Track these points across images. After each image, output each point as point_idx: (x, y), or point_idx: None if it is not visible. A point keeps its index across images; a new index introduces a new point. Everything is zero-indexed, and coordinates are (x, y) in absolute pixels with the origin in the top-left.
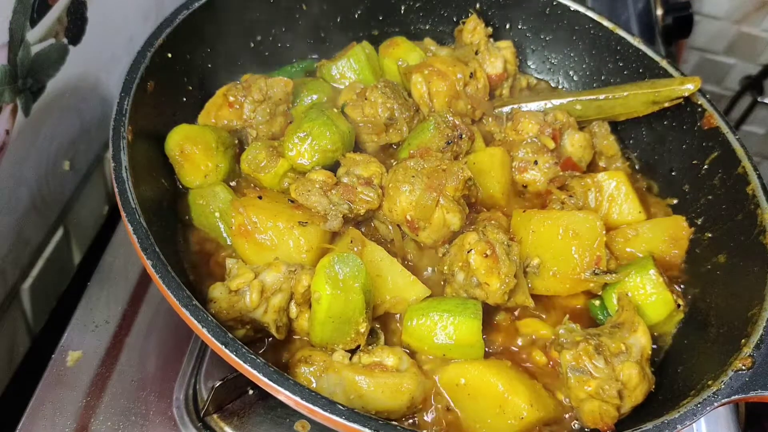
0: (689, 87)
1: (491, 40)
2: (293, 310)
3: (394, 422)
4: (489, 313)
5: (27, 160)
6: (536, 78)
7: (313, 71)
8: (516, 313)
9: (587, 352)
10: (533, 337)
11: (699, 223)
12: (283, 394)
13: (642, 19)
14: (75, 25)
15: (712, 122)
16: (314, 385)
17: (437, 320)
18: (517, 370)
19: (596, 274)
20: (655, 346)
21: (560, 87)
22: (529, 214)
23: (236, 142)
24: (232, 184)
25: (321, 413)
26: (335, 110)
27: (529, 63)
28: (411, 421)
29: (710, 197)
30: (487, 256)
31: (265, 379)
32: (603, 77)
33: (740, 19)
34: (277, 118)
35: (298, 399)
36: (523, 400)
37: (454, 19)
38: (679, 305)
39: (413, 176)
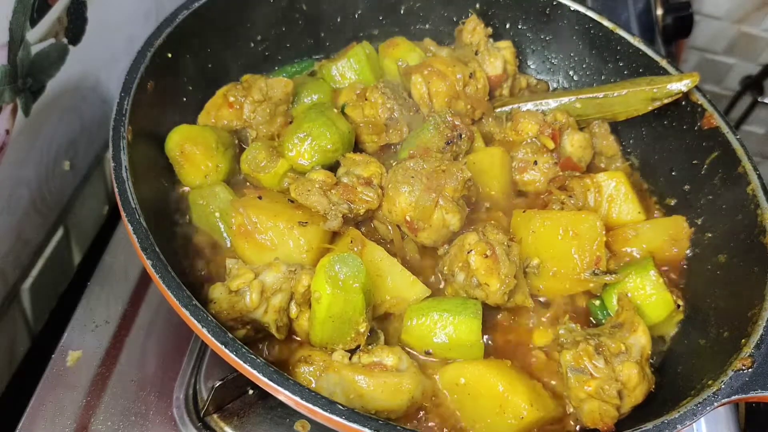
0: (687, 82)
1: (491, 40)
2: (293, 310)
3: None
4: (489, 313)
5: (27, 160)
6: (536, 78)
7: (313, 71)
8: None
9: (587, 352)
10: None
11: (699, 223)
12: (283, 394)
13: (642, 19)
14: (75, 25)
15: (712, 122)
16: (314, 384)
17: (437, 320)
18: (517, 370)
19: (596, 274)
20: (656, 348)
21: (560, 87)
22: (529, 215)
23: (236, 142)
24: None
25: (321, 413)
26: (335, 110)
27: (529, 63)
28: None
29: (710, 197)
30: (487, 256)
31: (265, 379)
32: (603, 77)
33: (740, 19)
34: (277, 119)
35: (298, 399)
36: (523, 400)
37: (454, 19)
38: (678, 306)
39: (413, 177)
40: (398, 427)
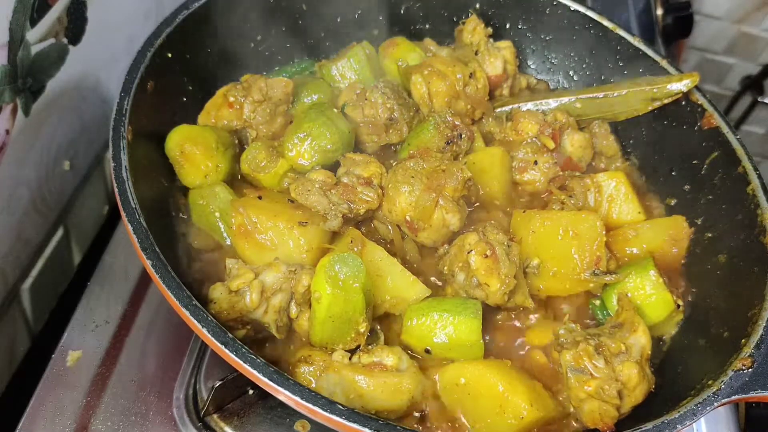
0: (687, 82)
1: (491, 40)
2: (293, 310)
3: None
4: (489, 312)
5: (27, 160)
6: (536, 78)
7: (313, 71)
8: (518, 317)
9: (587, 352)
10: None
11: (699, 223)
12: (283, 394)
13: (642, 19)
14: (75, 25)
15: (712, 122)
16: (314, 384)
17: (437, 320)
18: (517, 370)
19: (596, 274)
20: (656, 348)
21: (560, 87)
22: (529, 215)
23: (236, 142)
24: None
25: (321, 413)
26: (335, 110)
27: (529, 63)
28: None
29: (710, 197)
30: (487, 256)
31: (265, 379)
32: (603, 77)
33: (740, 19)
34: (277, 119)
35: (298, 399)
36: (523, 400)
37: (454, 19)
38: (678, 306)
39: (413, 177)
40: (398, 427)
